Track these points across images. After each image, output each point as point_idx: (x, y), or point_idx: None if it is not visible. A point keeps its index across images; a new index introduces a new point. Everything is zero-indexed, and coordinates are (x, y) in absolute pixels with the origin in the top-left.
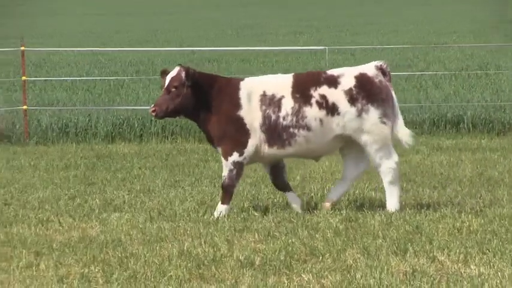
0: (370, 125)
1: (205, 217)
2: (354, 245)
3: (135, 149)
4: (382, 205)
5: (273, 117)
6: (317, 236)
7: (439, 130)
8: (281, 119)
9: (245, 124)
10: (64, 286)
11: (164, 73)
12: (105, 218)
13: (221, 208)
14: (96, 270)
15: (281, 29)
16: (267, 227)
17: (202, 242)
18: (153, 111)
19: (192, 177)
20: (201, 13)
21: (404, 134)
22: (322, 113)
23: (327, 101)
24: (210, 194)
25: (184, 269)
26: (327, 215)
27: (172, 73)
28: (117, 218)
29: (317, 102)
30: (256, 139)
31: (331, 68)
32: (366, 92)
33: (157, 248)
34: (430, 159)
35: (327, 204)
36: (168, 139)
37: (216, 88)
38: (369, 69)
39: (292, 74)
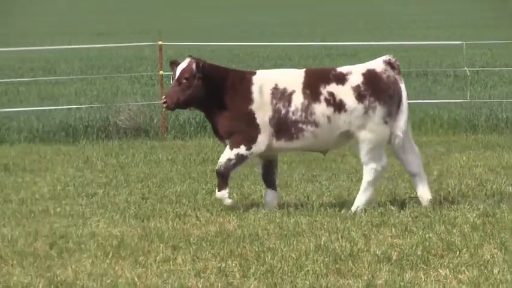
0: (373, 124)
1: (342, 212)
2: (491, 240)
3: None
4: None
5: (283, 111)
6: (454, 231)
7: None
8: (291, 114)
9: (256, 119)
10: (201, 280)
11: (174, 64)
12: (242, 213)
13: (219, 195)
14: (233, 264)
15: (417, 24)
16: (404, 222)
17: (339, 237)
18: (164, 102)
19: (329, 171)
20: (336, 7)
21: (400, 132)
22: (330, 110)
23: (334, 98)
24: (347, 189)
25: (321, 264)
26: (464, 210)
27: (183, 64)
28: (254, 213)
29: (325, 99)
30: (266, 135)
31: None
32: (373, 88)
33: (294, 242)
34: None
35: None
36: None
37: (229, 81)
38: (377, 64)
39: (304, 69)
